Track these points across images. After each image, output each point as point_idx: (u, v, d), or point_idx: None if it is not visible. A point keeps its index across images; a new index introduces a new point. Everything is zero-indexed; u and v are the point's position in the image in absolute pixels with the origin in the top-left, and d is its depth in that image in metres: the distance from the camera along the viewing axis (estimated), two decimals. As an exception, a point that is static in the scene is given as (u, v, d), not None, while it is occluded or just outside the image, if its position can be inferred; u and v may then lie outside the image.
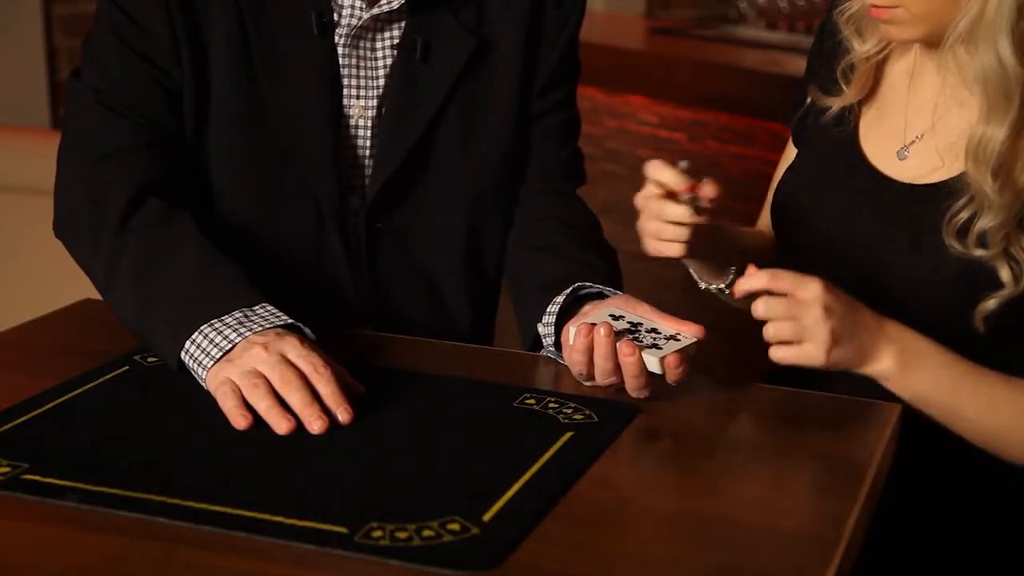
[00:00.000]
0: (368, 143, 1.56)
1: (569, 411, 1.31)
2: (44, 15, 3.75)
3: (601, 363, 1.34)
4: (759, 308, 1.29)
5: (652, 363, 1.32)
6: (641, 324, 1.37)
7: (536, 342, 1.49)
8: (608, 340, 1.33)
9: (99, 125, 1.49)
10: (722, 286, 1.46)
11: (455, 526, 1.07)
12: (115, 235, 1.43)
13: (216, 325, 1.33)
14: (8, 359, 1.44)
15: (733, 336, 1.73)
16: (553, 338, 1.45)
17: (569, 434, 1.26)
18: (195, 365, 1.33)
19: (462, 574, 1.02)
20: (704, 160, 3.48)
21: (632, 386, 1.34)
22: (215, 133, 1.52)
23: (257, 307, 1.35)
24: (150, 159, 1.48)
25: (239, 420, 1.25)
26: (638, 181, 1.38)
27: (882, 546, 1.32)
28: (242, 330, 1.32)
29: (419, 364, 1.43)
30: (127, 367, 1.39)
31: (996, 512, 1.50)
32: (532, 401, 1.33)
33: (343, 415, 1.27)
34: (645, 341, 1.34)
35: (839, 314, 1.29)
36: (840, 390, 1.39)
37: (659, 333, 1.36)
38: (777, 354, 1.30)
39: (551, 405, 1.32)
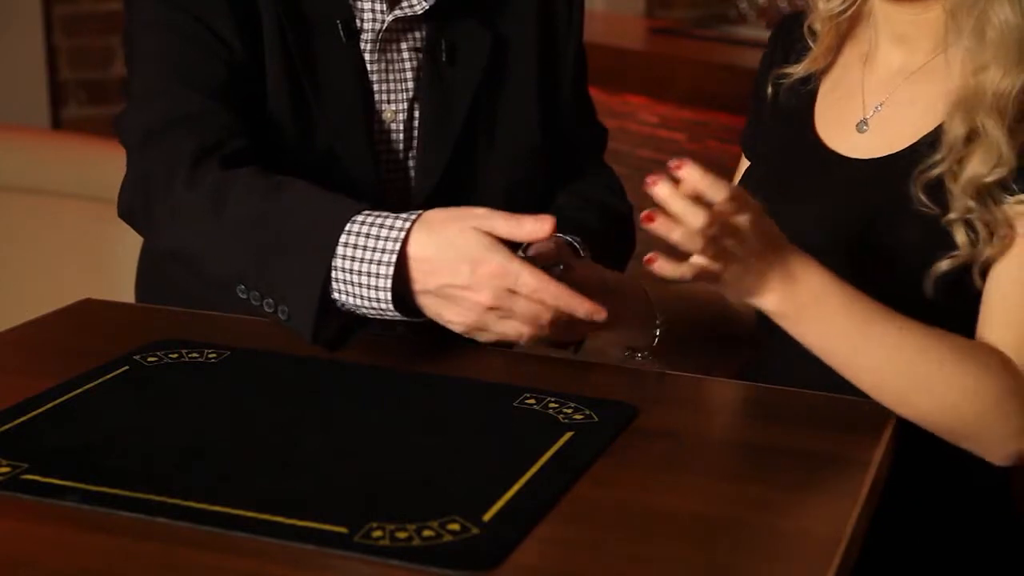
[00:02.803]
0: (401, 145, 1.59)
1: (569, 411, 1.31)
2: (44, 15, 3.75)
3: None
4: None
5: None
6: None
7: None
8: None
9: (184, 101, 1.48)
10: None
11: (455, 526, 1.07)
12: (221, 169, 1.42)
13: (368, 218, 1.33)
14: (8, 359, 1.44)
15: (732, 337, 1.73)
16: None
17: (569, 434, 1.26)
18: (367, 240, 1.32)
19: (462, 574, 1.02)
20: (704, 160, 3.47)
21: None
22: (270, 133, 1.52)
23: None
24: (239, 129, 1.48)
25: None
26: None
27: (882, 546, 1.32)
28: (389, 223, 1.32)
29: (419, 364, 1.43)
30: (127, 367, 1.39)
31: (996, 512, 1.50)
32: (532, 401, 1.33)
33: (599, 315, 1.30)
34: None
35: (743, 236, 1.23)
36: (840, 391, 1.39)
37: None
38: (656, 265, 1.22)
39: (551, 405, 1.32)
